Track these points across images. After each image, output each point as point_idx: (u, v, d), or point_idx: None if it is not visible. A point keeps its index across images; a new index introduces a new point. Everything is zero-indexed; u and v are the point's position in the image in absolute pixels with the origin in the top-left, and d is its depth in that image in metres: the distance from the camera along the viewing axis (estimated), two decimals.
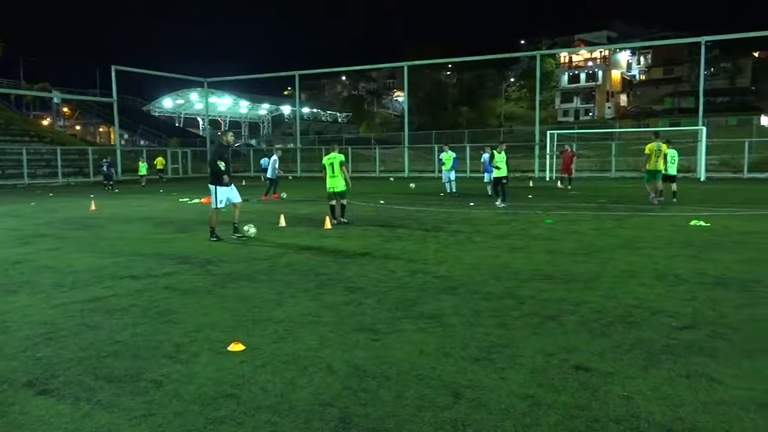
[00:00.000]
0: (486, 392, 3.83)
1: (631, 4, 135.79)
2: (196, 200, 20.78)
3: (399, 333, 5.09)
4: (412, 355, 4.53)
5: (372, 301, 6.20)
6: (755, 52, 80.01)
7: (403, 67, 42.32)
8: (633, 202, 17.60)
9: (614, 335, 4.96)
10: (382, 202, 19.16)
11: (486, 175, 19.94)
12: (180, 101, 75.18)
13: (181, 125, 77.70)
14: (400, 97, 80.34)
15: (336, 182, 13.00)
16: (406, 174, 39.09)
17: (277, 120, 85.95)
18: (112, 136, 63.03)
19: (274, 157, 21.91)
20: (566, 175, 24.52)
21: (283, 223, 12.92)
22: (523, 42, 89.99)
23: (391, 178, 36.20)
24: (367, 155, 45.66)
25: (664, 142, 17.20)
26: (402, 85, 46.55)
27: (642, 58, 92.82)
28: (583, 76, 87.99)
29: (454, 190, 21.77)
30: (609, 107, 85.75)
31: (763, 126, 61.51)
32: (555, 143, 33.03)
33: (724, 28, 48.73)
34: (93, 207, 18.20)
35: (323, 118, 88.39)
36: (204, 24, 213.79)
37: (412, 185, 27.66)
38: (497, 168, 17.22)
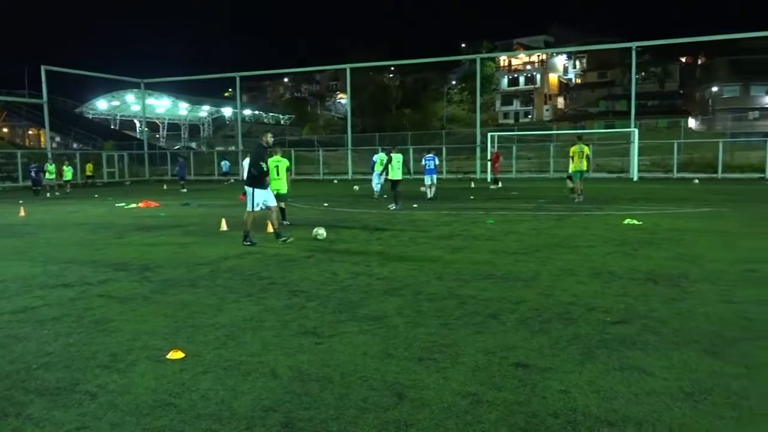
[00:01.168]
0: (429, 392, 3.87)
1: (567, 10, 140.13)
2: (133, 205, 20.18)
3: (342, 335, 5.09)
4: (355, 357, 4.53)
5: (315, 304, 6.17)
6: (682, 57, 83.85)
7: (346, 69, 42.29)
8: (571, 202, 18.14)
9: (552, 332, 5.09)
10: (325, 204, 19.10)
11: (427, 177, 20.17)
12: (115, 103, 72.67)
13: (117, 128, 75.19)
14: (344, 99, 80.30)
15: (280, 184, 12.94)
16: (349, 176, 39.08)
17: (219, 122, 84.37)
18: (42, 139, 60.45)
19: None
20: (496, 175, 26.83)
21: (224, 227, 12.69)
22: (464, 45, 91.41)
23: (335, 181, 36.13)
24: (311, 158, 45.40)
25: (585, 144, 18.80)
26: (345, 87, 46.49)
27: (578, 63, 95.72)
28: (522, 79, 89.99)
29: (377, 192, 21.65)
30: (547, 110, 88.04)
31: (690, 128, 64.46)
32: (496, 145, 33.69)
33: (653, 35, 50.90)
34: (22, 213, 17.43)
35: (266, 120, 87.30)
36: (140, 23, 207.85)
37: (356, 187, 27.68)
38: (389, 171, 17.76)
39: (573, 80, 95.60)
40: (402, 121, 74.69)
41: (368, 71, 68.74)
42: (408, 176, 18.66)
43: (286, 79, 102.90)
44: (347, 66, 42.39)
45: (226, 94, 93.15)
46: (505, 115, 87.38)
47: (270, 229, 11.26)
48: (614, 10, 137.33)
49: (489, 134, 34.92)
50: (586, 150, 18.57)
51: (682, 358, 4.39)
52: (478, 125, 38.15)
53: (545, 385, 3.95)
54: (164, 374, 4.25)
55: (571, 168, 18.49)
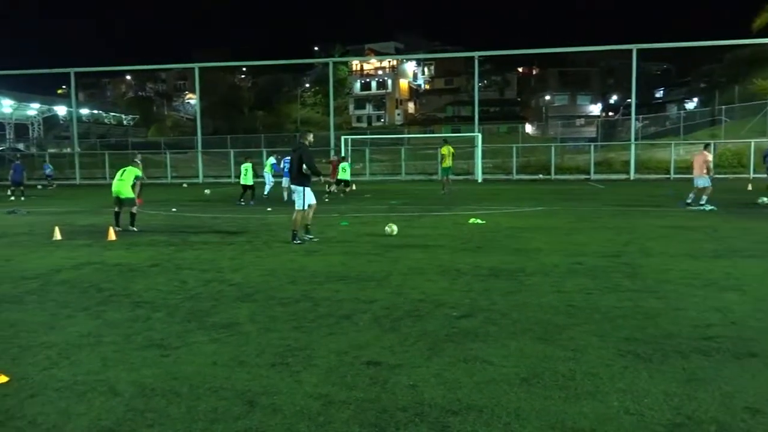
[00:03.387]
0: (281, 396, 3.83)
1: (415, 18, 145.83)
2: None
3: (191, 346, 4.89)
4: (204, 368, 4.37)
5: (161, 315, 5.86)
6: (519, 68, 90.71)
7: (194, 68, 40.67)
8: (422, 203, 18.89)
9: (402, 329, 5.27)
10: (174, 209, 18.21)
11: (283, 180, 20.28)
12: None
13: None
14: (193, 99, 77.10)
15: (122, 186, 12.31)
16: (200, 180, 37.61)
17: (51, 122, 77.25)
18: None
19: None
20: (333, 180, 27.16)
21: (58, 236, 11.64)
22: (317, 48, 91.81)
23: (184, 185, 34.57)
24: (158, 160, 43.04)
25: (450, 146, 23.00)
26: (194, 87, 44.70)
27: (426, 69, 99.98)
28: (374, 84, 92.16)
29: (265, 194, 21.42)
30: (399, 114, 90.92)
31: (527, 133, 69.84)
32: (350, 148, 34.17)
33: (494, 46, 54.52)
34: None
35: (106, 121, 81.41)
36: None
37: (207, 191, 26.72)
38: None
39: (422, 86, 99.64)
40: (255, 123, 73.31)
41: (218, 71, 66.60)
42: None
43: (128, 77, 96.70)
44: (195, 65, 40.77)
45: (60, 92, 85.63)
46: (359, 119, 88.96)
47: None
48: (459, 21, 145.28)
49: (343, 137, 35.33)
50: (452, 150, 23.06)
51: (519, 346, 4.74)
52: (331, 128, 38.44)
53: (395, 380, 4.07)
54: None
55: (444, 165, 22.84)
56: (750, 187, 21.91)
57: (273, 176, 21.99)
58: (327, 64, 43.19)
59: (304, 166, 10.31)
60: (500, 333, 5.10)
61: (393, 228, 11.48)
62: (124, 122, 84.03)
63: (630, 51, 33.99)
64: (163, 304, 6.28)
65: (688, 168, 34.48)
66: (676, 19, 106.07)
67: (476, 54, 37.31)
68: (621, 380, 4.02)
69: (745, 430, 3.29)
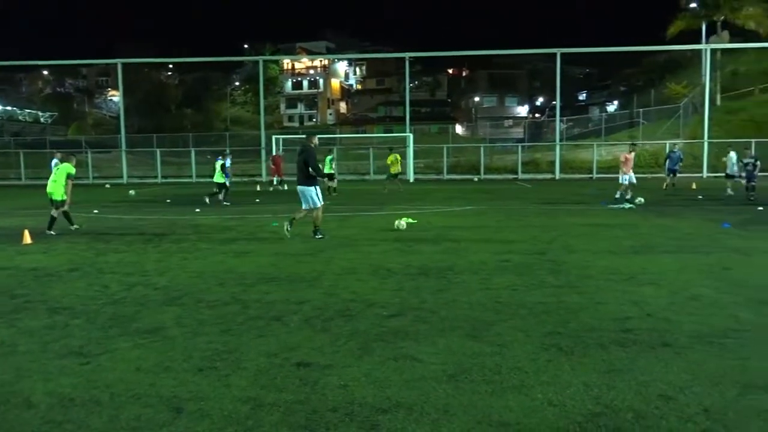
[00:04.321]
0: (209, 402, 3.75)
1: (346, 18, 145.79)
2: None
3: (113, 353, 4.71)
4: (127, 375, 4.22)
5: (81, 321, 5.62)
6: (450, 69, 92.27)
7: (117, 64, 39.15)
8: (354, 203, 18.89)
9: (333, 329, 5.26)
10: (96, 211, 17.49)
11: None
12: None
13: None
14: (116, 96, 74.27)
15: (55, 188, 11.93)
16: (124, 180, 36.25)
17: None
18: None
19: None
20: (280, 178, 26.96)
21: None
22: (246, 46, 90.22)
23: (107, 185, 33.24)
24: (79, 160, 41.14)
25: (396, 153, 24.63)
26: (117, 83, 43.02)
27: (358, 69, 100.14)
28: (306, 83, 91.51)
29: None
30: (331, 114, 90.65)
31: (457, 134, 71.09)
32: (281, 147, 33.78)
33: (425, 47, 55.22)
34: None
35: (21, 118, 77.18)
36: None
37: (132, 192, 25.78)
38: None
39: (354, 86, 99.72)
40: (183, 122, 71.32)
41: (143, 68, 64.44)
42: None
43: (45, 72, 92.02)
44: (118, 61, 39.26)
45: None
46: (290, 118, 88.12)
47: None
48: (390, 22, 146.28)
49: (274, 137, 34.87)
50: (399, 157, 24.90)
51: (447, 343, 4.82)
52: (262, 127, 37.88)
53: (325, 381, 4.06)
54: None
55: (393, 171, 24.34)
56: (665, 186, 23.08)
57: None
58: (257, 62, 42.47)
59: (310, 168, 10.78)
60: (429, 331, 5.18)
61: (402, 223, 11.98)
62: (41, 120, 79.91)
63: (554, 55, 35.17)
64: (82, 310, 6.02)
65: (610, 168, 36.15)
66: (599, 25, 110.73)
67: (407, 55, 37.65)
68: (545, 373, 4.15)
69: (659, 417, 3.47)
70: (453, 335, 5.04)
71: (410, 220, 13.36)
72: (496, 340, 4.88)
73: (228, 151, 21.89)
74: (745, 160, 18.47)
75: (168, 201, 20.92)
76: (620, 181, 17.35)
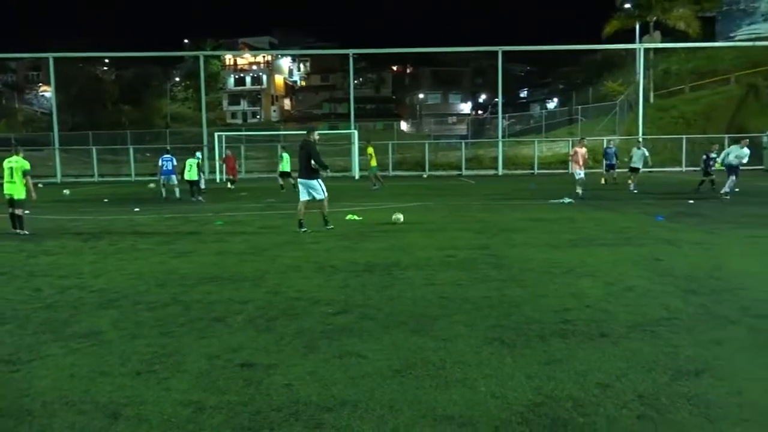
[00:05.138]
0: (148, 406, 3.64)
1: (289, 13, 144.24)
2: None
3: (45, 359, 4.51)
4: (60, 381, 4.05)
5: (11, 327, 5.36)
6: (394, 66, 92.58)
7: (48, 58, 37.54)
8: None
9: (278, 328, 5.19)
10: (26, 212, 16.71)
11: (162, 178, 19.71)
12: None
13: None
14: (48, 92, 71.23)
15: (14, 188, 11.64)
16: (58, 179, 34.85)
17: None
18: None
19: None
20: (231, 177, 26.48)
21: None
22: (186, 41, 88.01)
23: (40, 185, 31.86)
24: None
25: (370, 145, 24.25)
26: (48, 78, 41.20)
27: (302, 66, 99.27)
28: (249, 79, 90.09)
29: (175, 194, 20.11)
30: (275, 110, 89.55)
31: (402, 130, 71.42)
32: (224, 145, 33.19)
33: (369, 44, 55.26)
34: None
35: None
36: None
37: (66, 191, 24.82)
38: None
39: (298, 82, 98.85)
40: (120, 119, 69.00)
41: (77, 62, 61.98)
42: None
43: None
44: (50, 55, 37.66)
45: None
46: (233, 115, 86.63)
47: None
48: (334, 18, 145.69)
49: (216, 134, 34.23)
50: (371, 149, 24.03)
51: (393, 339, 4.83)
52: (204, 124, 37.11)
53: (270, 381, 4.00)
54: None
55: (373, 164, 23.62)
56: (603, 181, 23.85)
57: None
58: (198, 57, 41.46)
59: (313, 161, 11.31)
60: (375, 327, 5.18)
61: (399, 216, 12.31)
62: None
63: (496, 52, 35.81)
64: (12, 316, 5.75)
65: (550, 164, 37.09)
66: (539, 24, 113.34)
67: (351, 52, 37.59)
68: (488, 366, 4.22)
69: (596, 404, 3.57)
70: (398, 331, 5.06)
71: (355, 217, 13.36)
72: (441, 335, 4.93)
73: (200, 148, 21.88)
74: (712, 155, 18.77)
75: (105, 201, 20.26)
76: (577, 177, 17.57)
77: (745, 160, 16.92)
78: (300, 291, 6.57)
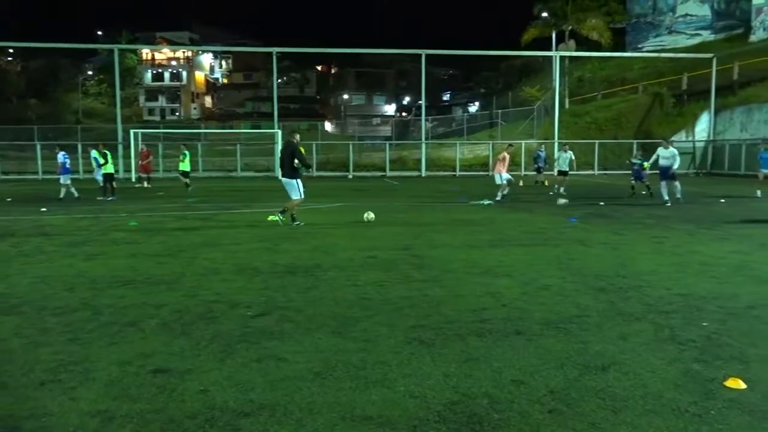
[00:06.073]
0: (52, 418, 3.44)
1: (210, 9, 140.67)
2: None
3: None
4: None
5: None
6: (318, 66, 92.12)
7: None
8: (219, 201, 18.30)
9: (194, 333, 5.04)
10: None
11: (62, 177, 18.59)
12: None
13: None
14: None
15: None
16: None
17: None
18: None
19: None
20: (145, 174, 25.74)
21: None
22: (100, 33, 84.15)
23: None
24: None
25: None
26: None
27: (224, 63, 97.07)
28: (167, 75, 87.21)
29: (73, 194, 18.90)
30: (195, 108, 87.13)
31: (327, 131, 71.13)
32: (140, 142, 31.97)
33: (293, 43, 54.72)
34: None
35: None
36: None
37: None
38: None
39: (220, 80, 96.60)
40: (27, 113, 65.09)
41: None
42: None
43: None
44: None
45: None
46: (151, 112, 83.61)
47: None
48: (258, 15, 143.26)
49: (132, 131, 32.90)
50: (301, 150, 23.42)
51: (313, 341, 4.80)
52: (118, 121, 35.57)
53: (184, 387, 3.88)
54: None
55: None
56: (521, 183, 24.65)
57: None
58: (112, 50, 39.66)
59: (296, 160, 11.88)
60: (295, 329, 5.12)
61: (371, 215, 12.62)
62: None
63: (420, 55, 36.30)
64: None
65: (471, 166, 37.98)
66: (464, 29, 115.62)
67: (274, 50, 37.06)
68: (407, 366, 4.26)
69: (510, 401, 3.68)
70: (319, 333, 5.02)
71: (279, 218, 13.18)
72: (362, 336, 4.93)
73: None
74: (635, 161, 19.04)
75: (8, 200, 19.04)
76: (497, 181, 17.18)
77: (671, 162, 16.11)
78: (218, 294, 6.41)
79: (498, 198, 17.27)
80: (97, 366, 4.27)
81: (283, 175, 12.20)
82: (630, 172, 19.89)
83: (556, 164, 22.82)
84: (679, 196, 16.31)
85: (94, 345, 4.74)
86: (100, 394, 3.77)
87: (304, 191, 12.19)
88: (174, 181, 29.39)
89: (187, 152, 23.46)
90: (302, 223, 12.07)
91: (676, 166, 16.16)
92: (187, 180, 22.96)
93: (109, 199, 18.33)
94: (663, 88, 41.09)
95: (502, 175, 17.07)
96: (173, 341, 4.82)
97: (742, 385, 3.86)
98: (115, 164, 22.54)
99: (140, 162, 27.10)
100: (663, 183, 16.36)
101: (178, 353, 4.53)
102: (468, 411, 3.53)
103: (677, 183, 16.31)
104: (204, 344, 4.74)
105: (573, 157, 21.31)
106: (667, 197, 16.14)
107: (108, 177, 19.00)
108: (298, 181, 12.01)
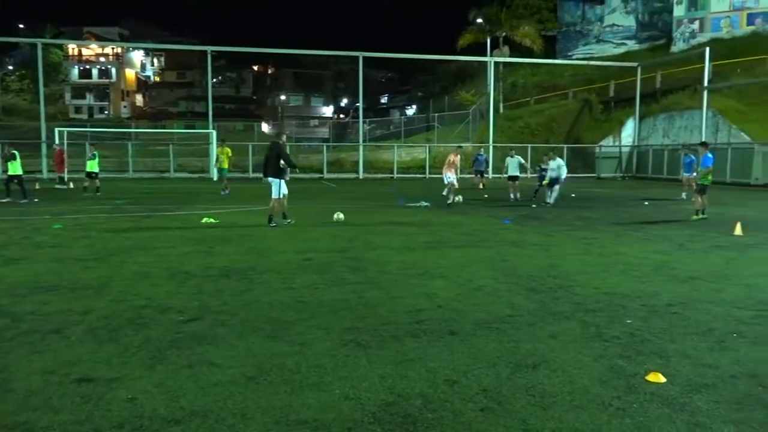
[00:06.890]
0: None
1: (141, 4, 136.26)
2: None
3: None
4: None
5: None
6: (255, 66, 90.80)
7: None
8: (150, 203, 17.75)
9: (122, 339, 4.87)
10: None
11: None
12: None
13: None
14: None
15: None
16: None
17: None
18: None
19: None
20: (63, 174, 24.90)
21: None
22: (22, 26, 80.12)
23: None
24: None
25: (226, 146, 22.92)
26: None
27: (156, 60, 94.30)
28: (95, 72, 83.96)
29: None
30: (125, 106, 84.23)
31: (263, 131, 70.19)
32: (65, 141, 30.66)
33: (230, 41, 53.69)
34: None
35: None
36: None
37: None
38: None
39: (152, 78, 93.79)
40: None
41: None
42: None
43: None
44: None
45: None
46: (77, 110, 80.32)
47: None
48: (191, 11, 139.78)
49: (57, 129, 31.48)
50: (229, 152, 22.88)
51: (247, 346, 4.72)
52: (42, 118, 33.92)
53: (111, 396, 3.74)
54: None
55: (222, 166, 22.22)
56: (481, 186, 25.02)
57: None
58: (35, 45, 37.84)
59: (282, 161, 12.06)
60: (229, 334, 5.03)
61: (340, 216, 12.99)
62: None
63: (357, 57, 36.37)
64: None
65: (409, 168, 38.30)
66: (402, 33, 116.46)
67: (209, 48, 36.30)
68: (343, 369, 4.25)
69: (444, 400, 3.73)
70: (253, 337, 4.95)
71: (211, 220, 12.93)
72: (297, 339, 4.89)
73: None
74: (543, 166, 19.16)
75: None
76: (445, 181, 17.26)
77: (558, 173, 17.45)
78: (148, 298, 6.21)
79: (449, 201, 17.24)
80: (16, 376, 4.07)
81: (266, 175, 12.28)
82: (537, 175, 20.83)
83: (504, 170, 22.95)
84: (550, 200, 17.60)
85: (12, 354, 4.50)
86: (19, 406, 3.59)
87: (285, 191, 12.27)
88: (103, 182, 28.30)
89: (96, 152, 22.31)
90: (292, 221, 12.40)
91: (563, 177, 17.78)
92: (97, 181, 21.66)
93: (23, 201, 17.33)
94: (592, 94, 42.75)
95: (451, 176, 17.25)
96: (100, 348, 4.64)
97: (662, 379, 4.06)
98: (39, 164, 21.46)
99: (55, 162, 25.95)
100: (552, 188, 17.66)
101: (104, 361, 4.37)
102: (402, 411, 3.56)
103: (557, 187, 17.65)
104: (132, 351, 4.59)
105: (522, 161, 21.55)
106: (549, 200, 17.57)
107: (13, 178, 17.98)
108: (282, 182, 12.14)
